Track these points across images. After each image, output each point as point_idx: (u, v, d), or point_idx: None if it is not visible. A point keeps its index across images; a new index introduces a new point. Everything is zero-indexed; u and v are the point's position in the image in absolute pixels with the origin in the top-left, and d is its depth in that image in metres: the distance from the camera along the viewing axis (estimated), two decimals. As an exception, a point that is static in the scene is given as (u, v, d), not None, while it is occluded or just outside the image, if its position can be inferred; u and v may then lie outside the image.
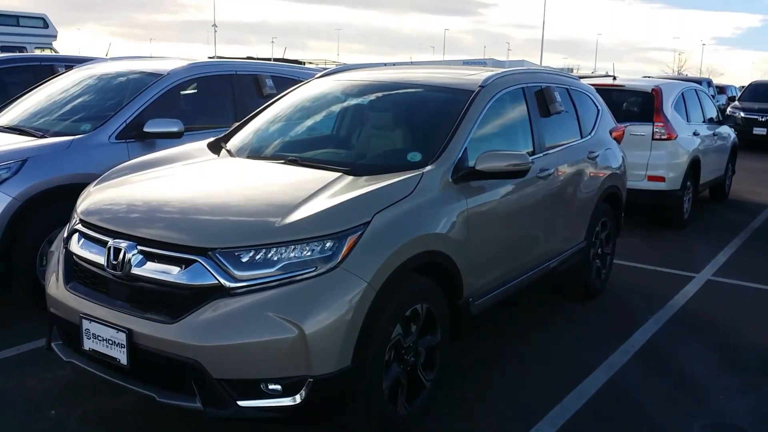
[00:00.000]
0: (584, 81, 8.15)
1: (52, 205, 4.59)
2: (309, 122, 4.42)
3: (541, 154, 4.55)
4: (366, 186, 3.30)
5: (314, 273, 2.86)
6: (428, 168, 3.54)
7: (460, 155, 3.71)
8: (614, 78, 8.68)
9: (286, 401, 2.82)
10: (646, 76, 14.53)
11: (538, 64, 57.01)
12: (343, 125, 4.49)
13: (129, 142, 5.15)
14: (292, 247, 2.88)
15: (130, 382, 2.97)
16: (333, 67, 5.68)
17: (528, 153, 4.45)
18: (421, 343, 3.38)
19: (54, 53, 17.00)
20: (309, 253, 2.89)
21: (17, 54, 9.75)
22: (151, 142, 5.22)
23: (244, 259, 2.84)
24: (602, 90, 8.00)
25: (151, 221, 3.10)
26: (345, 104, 4.53)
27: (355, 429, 3.22)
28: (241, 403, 2.81)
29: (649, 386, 4.06)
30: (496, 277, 4.02)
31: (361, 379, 2.97)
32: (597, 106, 5.85)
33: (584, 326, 5.00)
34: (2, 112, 5.71)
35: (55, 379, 3.77)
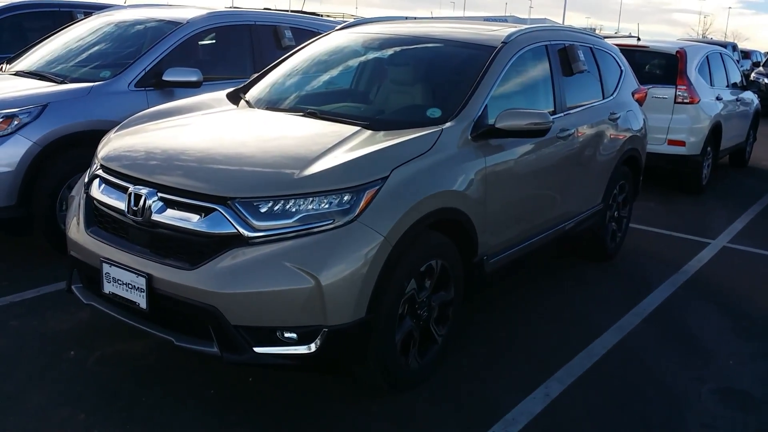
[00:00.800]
0: (608, 41, 8.04)
1: (71, 150, 4.63)
2: (328, 75, 4.39)
3: (562, 114, 4.50)
4: (385, 141, 3.30)
5: (332, 225, 2.87)
6: (448, 124, 3.53)
7: (480, 113, 3.68)
8: (638, 39, 8.52)
9: (301, 349, 2.87)
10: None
11: (560, 22, 55.96)
12: (362, 79, 4.46)
13: (148, 90, 5.15)
14: (311, 199, 2.89)
15: (149, 325, 3.03)
16: (351, 20, 5.61)
17: (549, 112, 4.42)
18: (434, 299, 3.42)
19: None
20: (327, 206, 2.90)
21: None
22: (170, 90, 5.21)
23: (263, 210, 2.86)
24: (625, 51, 7.86)
25: (172, 169, 3.12)
26: (365, 58, 4.49)
27: (367, 380, 3.27)
28: (257, 349, 2.86)
29: (658, 349, 4.09)
30: (512, 236, 4.02)
31: (374, 331, 3.01)
32: (620, 67, 5.76)
33: (597, 288, 5.02)
34: (22, 57, 5.71)
35: (75, 321, 3.85)
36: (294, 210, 2.88)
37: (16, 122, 4.42)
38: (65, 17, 7.56)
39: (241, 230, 2.83)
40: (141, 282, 2.95)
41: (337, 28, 4.98)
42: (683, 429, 3.29)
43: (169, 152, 3.30)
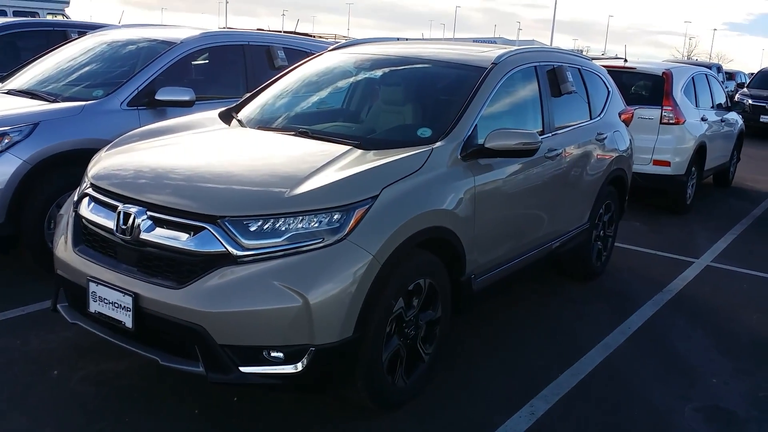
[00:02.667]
0: (596, 62, 8.15)
1: (62, 169, 4.63)
2: (320, 95, 4.44)
3: (550, 134, 4.56)
4: (375, 160, 3.33)
5: (321, 244, 2.90)
6: (438, 144, 3.57)
7: (470, 132, 3.73)
8: (625, 60, 8.64)
9: (287, 369, 2.88)
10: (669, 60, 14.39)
11: (548, 44, 56.56)
12: (354, 99, 4.51)
13: (140, 110, 5.17)
14: (300, 218, 2.92)
15: (135, 345, 3.03)
16: (343, 41, 5.67)
17: (537, 132, 4.48)
18: (422, 317, 3.44)
19: (66, 19, 16.94)
20: (317, 225, 2.93)
21: (30, 19, 9.71)
22: (163, 110, 5.24)
23: (253, 228, 2.89)
24: (613, 72, 7.97)
25: (162, 188, 3.14)
26: (356, 78, 4.54)
27: (354, 399, 3.28)
28: (243, 369, 2.87)
29: (643, 368, 4.12)
30: (500, 255, 4.06)
31: (362, 350, 3.03)
32: (608, 88, 5.85)
33: (582, 307, 5.06)
34: (15, 76, 5.72)
35: (59, 340, 3.84)
36: (284, 228, 2.90)
37: (6, 140, 4.42)
38: (59, 36, 7.59)
39: (230, 249, 2.85)
40: (128, 301, 2.96)
41: (329, 48, 5.04)
42: (668, 448, 3.32)
43: (160, 171, 3.32)
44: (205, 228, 2.89)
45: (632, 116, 6.14)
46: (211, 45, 5.86)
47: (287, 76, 4.68)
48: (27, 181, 4.48)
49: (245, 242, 2.86)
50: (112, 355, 3.66)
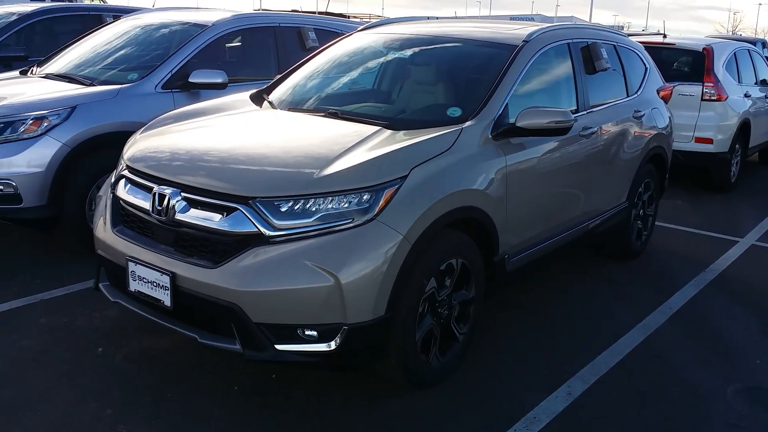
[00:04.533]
0: (633, 39, 7.97)
1: (100, 151, 4.72)
2: (350, 76, 4.42)
3: (584, 112, 4.49)
4: (404, 140, 3.32)
5: (351, 224, 2.90)
6: (468, 123, 3.53)
7: (500, 111, 3.68)
8: (664, 36, 8.43)
9: (321, 347, 2.91)
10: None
11: (587, 20, 55.50)
12: (383, 79, 4.49)
13: (174, 92, 5.22)
14: (330, 198, 2.93)
15: (173, 323, 3.09)
16: (375, 21, 5.64)
17: (572, 111, 4.40)
18: (455, 297, 3.43)
19: (102, 3, 17.17)
20: (346, 205, 2.93)
21: (66, 3, 9.85)
22: (196, 92, 5.29)
23: (284, 209, 2.90)
24: (652, 48, 7.83)
25: (195, 169, 3.17)
26: (386, 58, 4.51)
27: (388, 377, 3.30)
28: (278, 346, 2.90)
29: (684, 348, 4.05)
30: (534, 235, 4.02)
31: (394, 329, 3.03)
32: (645, 64, 5.71)
33: (622, 287, 4.98)
34: (52, 60, 5.83)
35: (103, 318, 3.93)
36: (314, 209, 2.91)
37: (45, 124, 4.52)
38: (95, 20, 7.70)
39: (263, 229, 2.88)
40: (165, 280, 3.01)
41: (359, 28, 5.01)
42: (708, 428, 3.26)
43: (193, 153, 3.36)
44: (238, 209, 2.92)
45: (671, 93, 6.00)
46: (242, 27, 5.89)
47: (317, 57, 4.67)
48: (67, 164, 4.58)
49: (277, 222, 2.88)
50: (154, 333, 3.73)
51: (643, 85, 5.53)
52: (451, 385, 3.44)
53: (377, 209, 2.94)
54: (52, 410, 3.06)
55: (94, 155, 4.71)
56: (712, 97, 7.58)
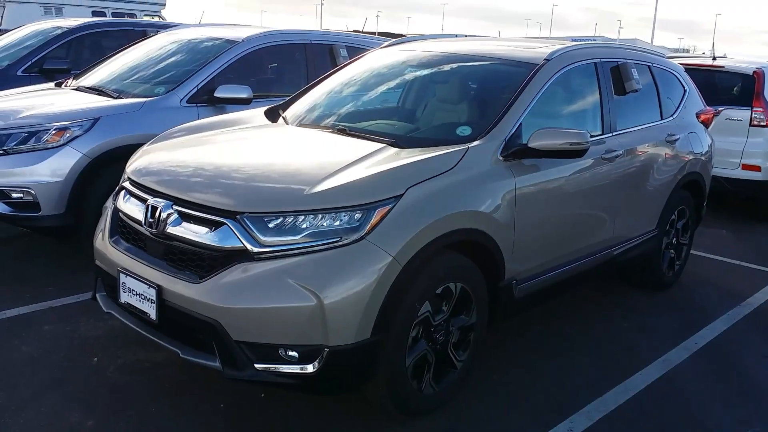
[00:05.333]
0: (682, 60, 7.71)
1: (121, 162, 4.72)
2: (366, 93, 4.35)
3: (609, 135, 4.31)
4: (405, 158, 3.23)
5: (339, 243, 2.82)
6: (475, 143, 3.42)
7: (513, 131, 3.56)
8: (714, 58, 8.11)
9: (302, 368, 2.82)
10: None
11: (650, 42, 54.43)
12: (399, 97, 4.42)
13: (200, 106, 5.27)
14: (320, 216, 2.85)
15: (158, 336, 3.06)
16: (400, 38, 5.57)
17: (596, 133, 4.25)
18: (454, 323, 3.30)
19: (161, 20, 17.69)
20: (338, 223, 2.85)
21: (112, 19, 10.16)
22: (222, 107, 5.32)
23: (271, 225, 2.84)
24: (700, 70, 7.55)
25: (188, 182, 3.15)
26: (404, 76, 4.44)
27: (377, 403, 3.18)
28: (258, 366, 2.83)
29: (705, 387, 3.80)
30: (546, 260, 3.85)
31: (382, 354, 2.92)
32: (684, 87, 5.48)
33: (647, 319, 4.74)
34: (87, 74, 5.97)
35: (106, 328, 3.94)
36: (303, 227, 2.84)
37: (68, 134, 4.61)
38: (139, 36, 7.88)
39: (248, 245, 2.82)
40: (152, 293, 2.98)
41: (382, 45, 4.96)
42: (717, 477, 3.03)
43: (191, 166, 3.35)
44: (225, 223, 2.87)
45: (713, 117, 5.73)
46: (272, 44, 5.91)
47: (336, 75, 4.63)
48: (86, 174, 4.65)
49: (263, 239, 2.82)
50: (150, 346, 3.71)
51: (680, 108, 5.30)
52: (445, 414, 3.30)
53: (367, 228, 2.85)
54: (36, 417, 3.06)
55: (115, 166, 4.72)
56: (762, 123, 7.22)
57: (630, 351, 4.19)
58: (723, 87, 7.78)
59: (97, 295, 3.47)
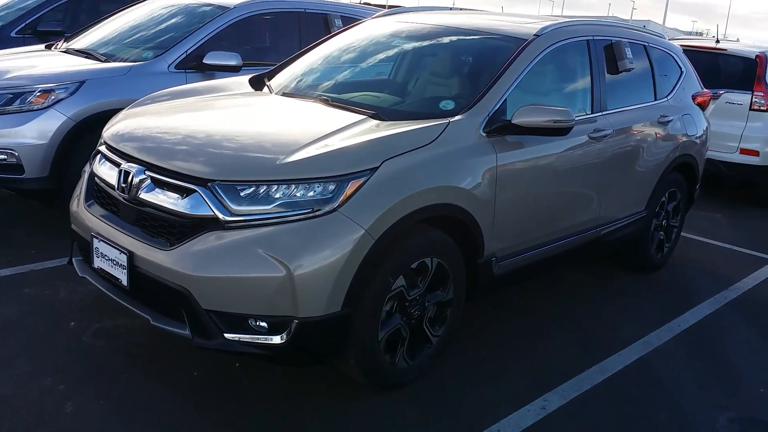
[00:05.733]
0: (684, 41, 7.60)
1: (106, 127, 4.72)
2: (352, 64, 4.29)
3: (599, 114, 4.25)
4: (384, 131, 3.18)
5: (310, 214, 2.79)
6: (456, 118, 3.37)
7: (497, 107, 3.50)
8: (717, 41, 7.99)
9: (271, 339, 2.81)
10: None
11: (662, 24, 53.84)
12: (385, 69, 4.34)
13: (188, 72, 5.21)
14: (293, 186, 2.81)
15: (130, 302, 3.05)
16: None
17: (586, 112, 4.19)
18: (429, 298, 3.27)
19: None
20: (311, 194, 2.82)
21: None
22: (211, 74, 5.26)
23: (243, 194, 2.81)
24: (702, 53, 7.46)
25: (162, 148, 3.11)
26: (391, 48, 4.36)
27: (350, 376, 3.18)
28: (227, 335, 2.82)
29: (683, 370, 3.79)
30: (528, 238, 3.82)
31: (353, 327, 2.91)
32: (680, 68, 5.40)
33: (632, 300, 4.72)
34: (78, 37, 5.90)
35: (86, 293, 3.93)
36: (275, 196, 2.81)
37: (53, 97, 4.57)
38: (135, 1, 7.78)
39: (218, 213, 2.79)
40: (123, 259, 2.96)
41: (372, 16, 4.88)
42: (686, 459, 3.03)
43: (167, 132, 3.30)
44: (196, 191, 2.84)
45: (709, 100, 5.64)
46: (265, 11, 5.83)
47: (323, 45, 4.57)
48: (71, 138, 4.61)
49: (234, 207, 2.79)
50: (127, 312, 3.69)
51: (676, 89, 5.23)
52: (417, 388, 3.30)
53: (340, 200, 2.82)
54: (7, 380, 3.06)
55: (100, 131, 4.70)
56: (762, 108, 7.14)
57: (611, 332, 4.18)
58: (725, 70, 7.68)
59: (73, 260, 3.45)
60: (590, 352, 3.86)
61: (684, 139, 5.13)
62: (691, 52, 6.60)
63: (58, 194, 4.69)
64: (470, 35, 4.21)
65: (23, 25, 7.27)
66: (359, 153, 2.97)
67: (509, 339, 3.93)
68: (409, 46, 4.32)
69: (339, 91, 3.93)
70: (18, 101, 4.56)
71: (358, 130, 3.19)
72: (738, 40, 10.22)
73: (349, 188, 2.84)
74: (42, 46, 5.84)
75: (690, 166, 5.34)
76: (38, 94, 4.56)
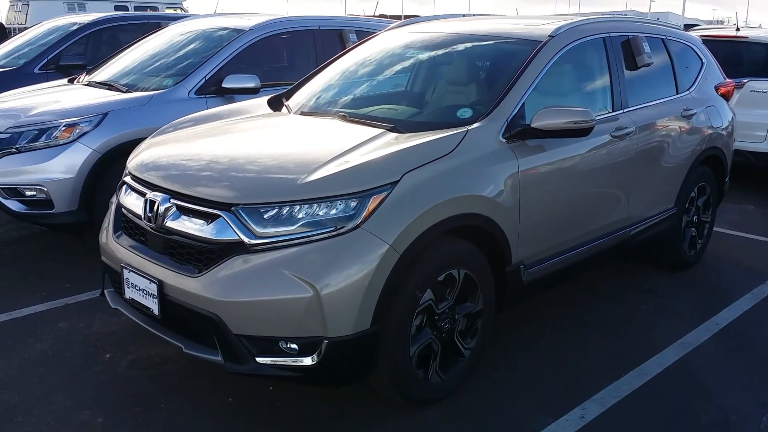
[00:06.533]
0: (703, 32, 7.48)
1: (130, 157, 4.79)
2: (368, 77, 4.30)
3: (621, 111, 4.20)
4: (403, 143, 3.17)
5: (334, 232, 2.78)
6: (475, 125, 3.35)
7: (515, 111, 3.48)
8: (737, 29, 7.86)
9: (303, 361, 2.80)
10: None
11: (681, 15, 53.13)
12: (402, 81, 4.34)
13: (208, 98, 5.27)
14: (315, 205, 2.82)
15: (162, 331, 3.07)
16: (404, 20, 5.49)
17: (607, 110, 4.14)
18: (459, 310, 3.25)
19: (183, 12, 17.75)
20: (333, 212, 2.82)
21: (126, 13, 10.21)
22: (230, 97, 5.30)
23: (266, 216, 2.82)
24: (723, 42, 7.33)
25: (185, 176, 3.14)
26: (406, 59, 4.36)
27: (383, 393, 3.16)
28: (259, 359, 2.82)
29: (723, 370, 3.70)
30: (556, 243, 3.77)
31: (384, 343, 2.89)
32: (701, 59, 5.32)
33: (667, 300, 4.63)
34: (99, 69, 6.00)
35: (120, 324, 3.97)
36: (298, 217, 2.81)
37: (77, 131, 4.65)
38: (155, 29, 7.90)
39: (244, 237, 2.80)
40: (153, 288, 2.99)
41: (385, 29, 4.89)
42: (732, 461, 2.95)
43: (189, 158, 3.33)
44: (220, 216, 2.85)
45: (732, 90, 5.54)
46: (280, 31, 5.87)
47: (338, 61, 4.58)
48: (97, 170, 4.68)
49: (258, 230, 2.80)
50: (160, 341, 3.72)
51: (698, 81, 5.15)
52: (454, 402, 3.27)
53: (362, 217, 2.81)
54: (46, 415, 3.09)
55: (125, 161, 4.77)
56: (788, 94, 6.99)
57: (647, 334, 4.10)
58: (748, 58, 7.54)
59: (105, 292, 3.49)
60: (627, 356, 3.79)
61: (709, 131, 5.04)
62: (711, 42, 6.49)
63: (89, 226, 4.77)
64: (484, 41, 4.19)
65: (45, 60, 7.44)
66: (379, 167, 2.96)
67: (542, 347, 3.88)
68: (424, 56, 4.32)
69: (356, 107, 3.94)
70: (44, 137, 4.65)
71: (377, 145, 3.18)
72: (760, 26, 10.04)
73: (371, 203, 2.83)
74: (65, 81, 5.95)
75: (718, 159, 5.25)
76: (63, 128, 4.64)
